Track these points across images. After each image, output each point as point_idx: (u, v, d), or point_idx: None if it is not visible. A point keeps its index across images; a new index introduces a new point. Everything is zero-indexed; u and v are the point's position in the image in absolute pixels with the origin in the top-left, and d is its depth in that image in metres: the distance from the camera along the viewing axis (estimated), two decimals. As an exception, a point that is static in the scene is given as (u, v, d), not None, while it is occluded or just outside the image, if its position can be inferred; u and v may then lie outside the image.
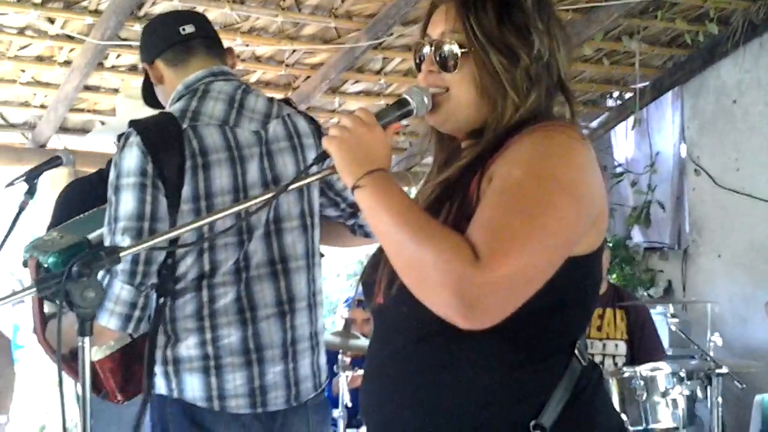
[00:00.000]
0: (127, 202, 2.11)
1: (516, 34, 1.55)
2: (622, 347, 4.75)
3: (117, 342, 2.28)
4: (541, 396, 1.48)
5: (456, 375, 1.49)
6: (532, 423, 1.45)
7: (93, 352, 2.22)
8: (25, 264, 2.34)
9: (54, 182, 5.15)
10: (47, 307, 2.29)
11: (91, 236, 2.28)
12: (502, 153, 1.50)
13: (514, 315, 1.40)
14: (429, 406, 1.51)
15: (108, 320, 2.09)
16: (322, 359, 2.38)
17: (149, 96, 2.48)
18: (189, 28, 2.34)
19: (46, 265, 2.21)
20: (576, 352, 1.52)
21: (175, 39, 2.34)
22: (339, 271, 7.99)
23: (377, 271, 1.60)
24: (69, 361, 2.14)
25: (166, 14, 2.45)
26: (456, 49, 1.57)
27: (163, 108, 2.39)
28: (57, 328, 1.59)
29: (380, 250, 1.61)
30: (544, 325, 1.50)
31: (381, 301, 1.60)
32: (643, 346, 4.67)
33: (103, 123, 5.31)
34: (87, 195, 3.23)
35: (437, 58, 1.59)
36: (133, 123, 2.19)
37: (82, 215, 2.57)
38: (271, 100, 2.39)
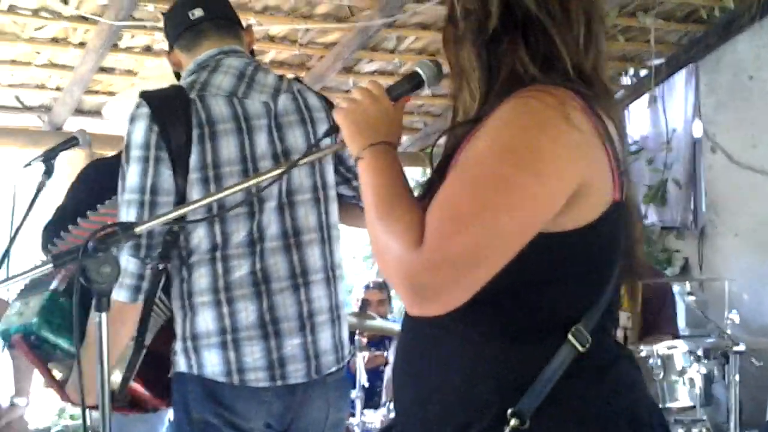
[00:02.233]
0: (132, 175, 2.17)
1: None
2: (631, 319, 4.70)
3: (129, 360, 2.29)
4: (524, 380, 1.39)
5: (443, 351, 1.46)
6: (510, 410, 1.37)
7: (113, 378, 2.26)
8: (11, 346, 2.40)
9: (71, 163, 5.17)
10: (56, 372, 2.34)
11: (52, 287, 2.34)
12: (487, 118, 1.43)
13: (498, 292, 1.36)
14: (420, 381, 1.49)
15: (117, 293, 2.12)
16: (345, 333, 2.38)
17: (178, 77, 2.53)
18: (198, 12, 2.39)
19: (32, 333, 2.28)
20: (570, 335, 1.41)
21: (185, 24, 2.40)
22: (354, 253, 7.99)
23: None
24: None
25: (177, 1, 2.49)
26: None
27: None
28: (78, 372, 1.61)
29: None
30: (531, 305, 1.42)
31: None
32: (657, 321, 4.64)
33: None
34: (107, 176, 3.27)
35: None
36: (142, 94, 2.24)
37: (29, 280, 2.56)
38: (281, 77, 2.43)
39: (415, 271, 1.33)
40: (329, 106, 2.45)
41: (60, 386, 2.32)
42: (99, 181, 3.25)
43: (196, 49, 2.38)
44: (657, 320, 4.56)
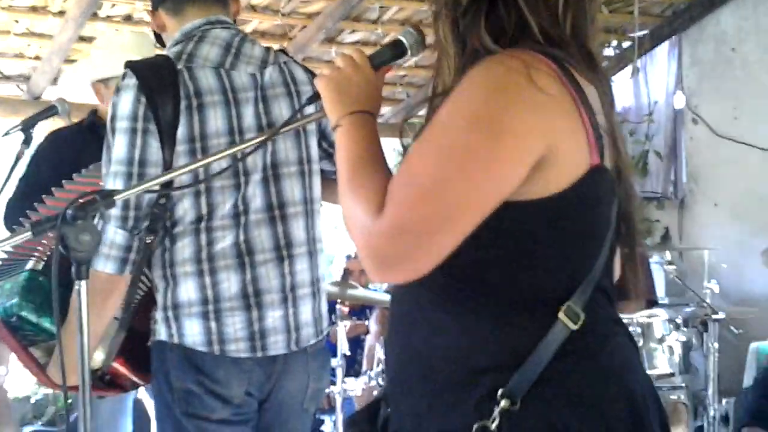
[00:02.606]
0: (119, 146, 2.14)
1: None
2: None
3: (112, 340, 2.27)
4: (515, 358, 1.34)
5: (427, 328, 1.43)
6: (500, 391, 1.32)
7: (96, 357, 2.24)
8: None
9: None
10: (38, 355, 2.32)
11: (29, 267, 2.31)
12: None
13: (477, 266, 1.35)
14: (408, 358, 1.46)
15: (105, 264, 2.11)
16: (324, 306, 2.39)
17: (159, 38, 2.49)
18: None
19: (12, 314, 2.24)
20: (561, 313, 1.35)
21: None
22: (336, 223, 8.01)
23: None
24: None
25: None
26: None
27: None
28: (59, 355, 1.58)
29: None
30: (514, 278, 1.37)
31: None
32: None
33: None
34: (65, 147, 3.27)
35: None
36: (129, 64, 2.20)
37: None
38: (267, 49, 2.40)
39: (375, 238, 1.33)
40: (314, 77, 2.42)
41: (42, 370, 2.30)
42: (59, 152, 3.25)
43: (183, 14, 2.33)
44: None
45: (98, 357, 2.25)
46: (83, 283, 1.60)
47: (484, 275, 1.38)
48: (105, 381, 2.32)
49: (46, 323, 2.25)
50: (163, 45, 2.46)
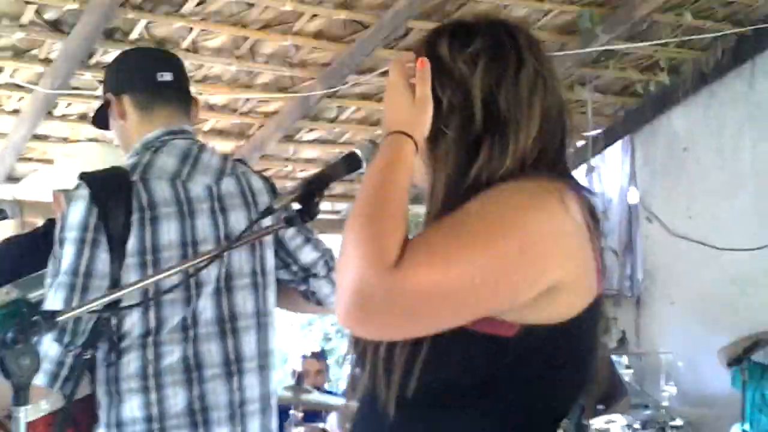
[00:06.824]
0: (66, 257, 2.09)
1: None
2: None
3: (50, 404, 2.21)
4: None
5: None
6: None
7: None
8: None
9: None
10: None
11: (34, 295, 2.24)
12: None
13: (482, 385, 1.33)
14: None
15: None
16: (273, 423, 2.33)
17: (100, 118, 2.43)
18: (167, 76, 2.31)
19: None
20: (561, 430, 1.41)
21: (149, 84, 2.31)
22: (292, 321, 7.93)
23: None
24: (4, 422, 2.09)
25: (145, 52, 2.41)
26: None
27: (108, 129, 2.41)
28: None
29: None
30: (525, 399, 1.38)
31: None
32: (611, 388, 4.68)
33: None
34: (8, 257, 3.19)
35: None
36: (83, 175, 2.16)
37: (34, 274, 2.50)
38: (225, 158, 2.38)
39: (374, 289, 1.25)
40: (272, 187, 2.41)
41: None
42: (2, 261, 3.18)
43: (150, 114, 2.29)
44: (611, 387, 4.59)
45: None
46: (22, 409, 1.53)
47: (494, 394, 1.36)
48: None
49: None
50: (101, 122, 2.42)
